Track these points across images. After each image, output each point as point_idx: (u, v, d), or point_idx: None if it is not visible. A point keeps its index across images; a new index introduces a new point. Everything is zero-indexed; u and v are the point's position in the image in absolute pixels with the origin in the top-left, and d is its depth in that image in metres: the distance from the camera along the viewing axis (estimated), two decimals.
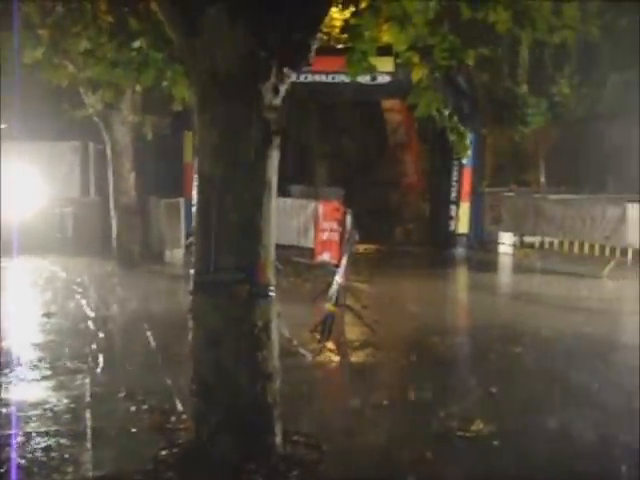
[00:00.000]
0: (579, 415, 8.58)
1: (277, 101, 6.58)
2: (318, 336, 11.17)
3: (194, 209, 6.80)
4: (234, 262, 6.52)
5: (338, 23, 22.46)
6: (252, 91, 6.43)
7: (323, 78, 20.90)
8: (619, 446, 7.71)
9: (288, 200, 19.49)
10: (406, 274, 18.50)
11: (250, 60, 6.36)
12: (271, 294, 6.70)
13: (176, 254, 19.13)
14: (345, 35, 8.87)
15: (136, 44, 8.64)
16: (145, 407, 8.44)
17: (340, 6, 8.52)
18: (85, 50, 9.07)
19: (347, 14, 8.41)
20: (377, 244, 21.89)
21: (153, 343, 11.03)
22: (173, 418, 8.03)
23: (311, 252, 18.01)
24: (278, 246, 18.01)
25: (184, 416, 7.82)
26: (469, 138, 8.31)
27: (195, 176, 6.67)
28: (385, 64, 8.27)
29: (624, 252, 18.46)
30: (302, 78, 20.31)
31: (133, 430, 7.84)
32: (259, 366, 6.63)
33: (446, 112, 7.98)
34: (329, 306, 11.46)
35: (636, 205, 18.55)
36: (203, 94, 6.56)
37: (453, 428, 8.02)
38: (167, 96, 10.04)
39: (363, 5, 8.10)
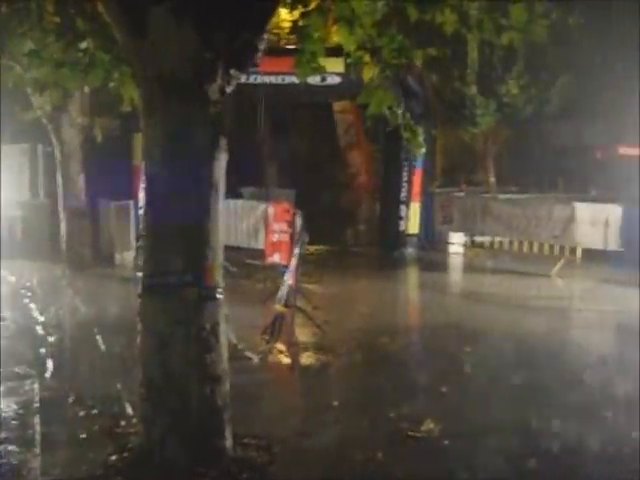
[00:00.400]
0: (527, 413, 8.63)
1: (224, 103, 6.55)
2: (267, 338, 11.15)
3: (141, 211, 6.75)
4: (182, 265, 6.49)
5: (287, 24, 22.52)
6: (198, 93, 6.40)
7: (273, 79, 20.85)
8: (570, 443, 7.78)
9: (239, 202, 19.42)
10: (357, 275, 18.52)
11: (196, 61, 6.34)
12: (219, 296, 6.68)
13: (126, 257, 18.95)
14: (294, 36, 8.84)
15: (83, 45, 8.55)
16: (94, 412, 8.36)
17: (288, 7, 8.48)
18: (30, 51, 8.95)
19: (296, 15, 8.38)
20: (328, 245, 21.89)
21: (103, 347, 10.93)
22: (123, 422, 7.95)
23: (262, 254, 17.92)
24: (229, 248, 17.97)
25: (134, 420, 7.75)
26: (422, 136, 8.32)
27: (142, 178, 6.61)
28: (335, 65, 8.26)
29: (573, 251, 18.62)
30: (252, 79, 20.30)
31: (82, 435, 7.76)
32: (208, 369, 6.60)
33: (398, 110, 7.97)
34: (278, 307, 11.44)
35: (585, 205, 18.73)
36: (149, 96, 6.52)
37: (404, 428, 8.03)
38: (116, 97, 9.95)
39: (311, 6, 8.08)
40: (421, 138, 8.32)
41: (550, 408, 8.87)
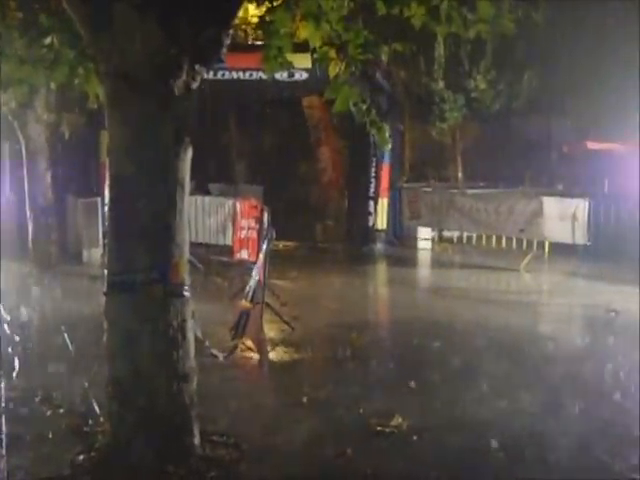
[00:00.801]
0: (495, 407, 8.65)
1: (189, 98, 6.51)
2: (233, 334, 11.11)
3: (107, 209, 6.71)
4: (148, 262, 6.44)
5: (255, 19, 22.45)
6: (163, 88, 6.35)
7: (241, 75, 20.80)
8: (537, 438, 7.80)
9: (207, 198, 19.39)
10: (325, 270, 18.52)
11: (160, 57, 6.29)
12: (186, 293, 6.64)
13: (94, 254, 18.85)
14: (261, 32, 8.80)
15: (47, 41, 8.47)
16: (61, 411, 8.30)
17: (255, 2, 8.46)
18: None
19: (263, 10, 8.36)
20: (297, 241, 21.87)
21: (70, 345, 10.85)
22: (90, 421, 7.90)
23: (230, 250, 17.90)
24: (197, 245, 18.01)
25: (102, 419, 7.70)
26: (388, 132, 8.30)
27: (107, 175, 6.56)
28: (303, 61, 8.25)
29: (541, 245, 18.70)
30: (220, 75, 20.25)
31: (49, 435, 7.70)
32: (175, 366, 6.57)
33: (364, 106, 7.95)
34: (244, 303, 11.41)
35: (552, 199, 18.82)
36: (113, 92, 6.47)
37: (373, 424, 8.02)
38: (82, 94, 9.87)
39: (278, 1, 8.06)
40: (387, 134, 8.29)
41: (519, 402, 8.90)
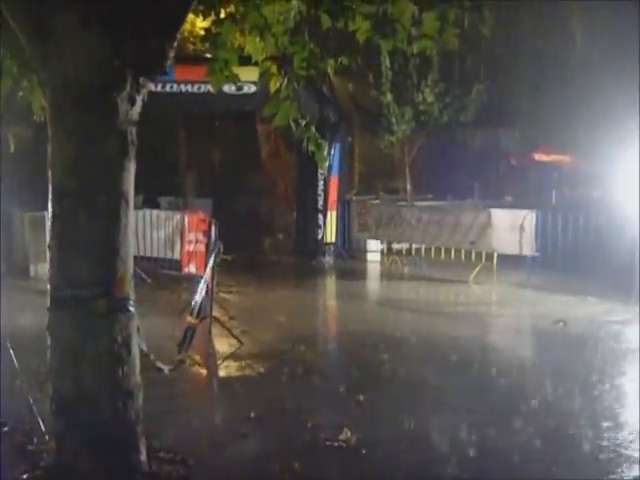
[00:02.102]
0: (444, 420, 8.66)
1: (133, 111, 6.44)
2: (178, 349, 11.03)
3: (48, 223, 6.60)
4: (92, 277, 6.35)
5: (202, 32, 22.40)
6: (107, 101, 6.27)
7: (189, 88, 20.75)
8: (487, 447, 7.82)
9: (155, 212, 19.23)
10: (274, 284, 18.47)
11: (104, 69, 6.20)
12: (131, 308, 6.56)
13: (41, 269, 18.57)
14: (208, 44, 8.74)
15: None
16: (5, 429, 8.16)
17: (201, 14, 8.40)
18: None
19: (209, 22, 8.31)
20: (246, 254, 21.76)
21: (15, 361, 10.67)
22: (35, 439, 7.77)
23: (178, 264, 17.80)
24: (145, 258, 17.86)
25: (47, 437, 7.58)
26: (331, 148, 8.25)
27: (49, 189, 6.47)
28: (251, 74, 8.22)
29: (489, 257, 18.80)
30: (168, 88, 20.18)
31: None
32: (120, 382, 6.48)
33: (303, 122, 7.92)
34: (190, 318, 11.34)
35: (500, 211, 18.95)
36: (56, 104, 6.37)
37: (321, 438, 7.99)
38: (28, 106, 9.75)
39: (223, 14, 8.02)
40: (325, 152, 8.24)
41: (468, 413, 8.91)
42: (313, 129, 8.01)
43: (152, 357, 8.55)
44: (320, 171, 21.84)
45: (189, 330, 11.19)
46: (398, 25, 7.45)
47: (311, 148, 8.08)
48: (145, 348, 7.15)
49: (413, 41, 7.66)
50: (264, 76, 7.75)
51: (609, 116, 21.88)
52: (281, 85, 7.66)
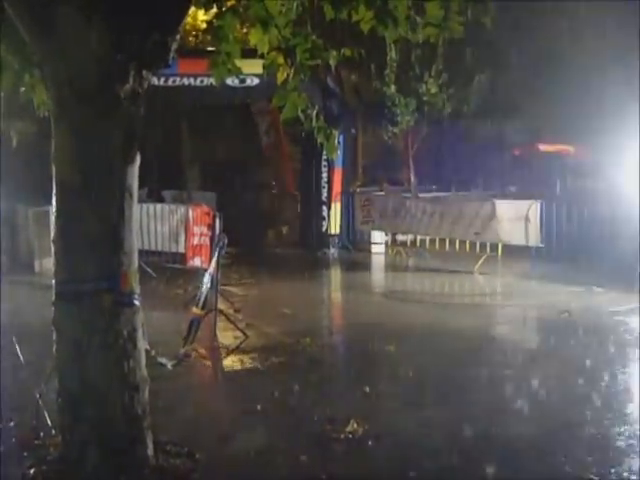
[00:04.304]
0: (451, 411, 8.65)
1: (136, 105, 6.43)
2: (183, 342, 11.03)
3: (52, 218, 6.59)
4: (96, 271, 6.35)
5: (204, 25, 22.39)
6: (110, 95, 6.27)
7: (192, 81, 20.75)
8: (493, 441, 7.81)
9: (158, 205, 19.23)
10: (279, 276, 18.46)
11: (107, 63, 6.19)
12: (136, 302, 6.56)
13: (46, 264, 18.58)
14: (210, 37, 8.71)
15: None
16: (12, 424, 8.18)
17: (203, 7, 8.38)
18: None
19: (211, 15, 8.28)
20: (250, 247, 21.80)
21: (21, 357, 10.69)
22: (42, 434, 7.78)
23: (183, 257, 17.81)
24: (150, 252, 17.84)
25: (53, 431, 7.59)
26: (337, 139, 8.21)
27: (53, 184, 6.46)
28: (254, 66, 8.21)
29: (494, 248, 18.78)
30: (171, 82, 20.18)
31: (0, 448, 7.57)
32: (126, 377, 6.47)
33: (312, 113, 7.89)
34: (195, 310, 11.32)
35: (505, 201, 18.94)
36: (59, 99, 6.36)
37: (328, 430, 7.99)
38: (31, 101, 9.74)
39: (226, 6, 7.99)
40: (335, 142, 8.21)
41: (477, 404, 8.91)
42: (322, 119, 8.00)
43: (154, 353, 8.56)
44: (324, 163, 21.85)
45: (194, 322, 11.17)
46: (400, 14, 7.44)
47: (320, 139, 8.06)
48: (147, 345, 7.14)
49: (417, 30, 7.64)
50: (270, 68, 7.72)
51: (613, 106, 21.82)
52: (288, 76, 7.63)
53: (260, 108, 25.46)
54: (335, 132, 8.24)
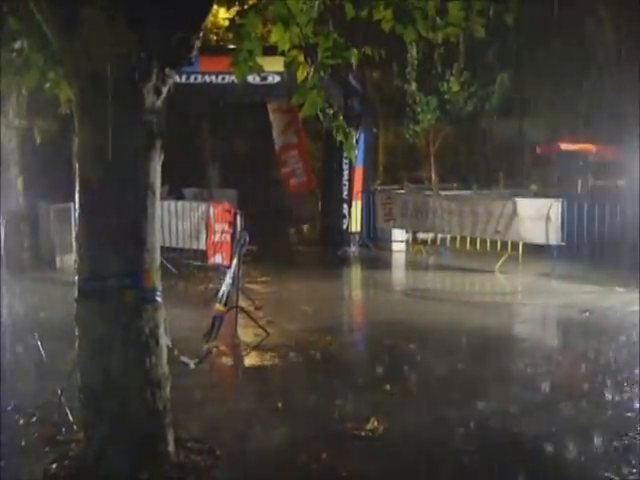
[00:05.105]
0: (473, 410, 8.64)
1: (159, 102, 6.46)
2: (206, 339, 11.05)
3: (75, 214, 6.63)
4: (119, 268, 6.38)
5: (226, 23, 22.43)
6: (133, 93, 6.30)
7: (213, 79, 20.77)
8: (516, 438, 7.79)
9: (180, 203, 19.31)
10: (299, 274, 18.48)
11: (130, 60, 6.22)
12: (158, 299, 6.58)
13: (67, 260, 18.71)
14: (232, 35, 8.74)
15: (16, 45, 8.39)
16: (34, 419, 8.22)
17: (225, 5, 8.42)
18: None
19: (233, 13, 8.31)
20: (270, 244, 21.82)
21: (43, 352, 10.75)
22: (64, 430, 7.82)
23: (204, 254, 17.87)
24: (171, 249, 17.88)
25: (75, 427, 7.62)
26: (356, 137, 8.24)
27: (76, 180, 6.49)
28: (275, 64, 8.24)
29: (515, 247, 18.74)
30: (192, 79, 20.21)
31: (22, 444, 7.61)
32: (148, 373, 6.50)
33: (331, 112, 7.91)
34: (217, 307, 11.35)
35: (526, 200, 18.88)
36: (82, 96, 6.39)
37: (349, 428, 7.99)
38: (53, 99, 9.78)
39: (248, 4, 8.01)
40: (354, 140, 8.22)
41: (498, 402, 8.89)
42: (341, 118, 8.01)
43: (176, 352, 8.58)
44: (345, 161, 21.83)
45: (217, 319, 11.20)
46: (418, 14, 7.43)
47: (339, 137, 8.08)
48: (170, 343, 7.16)
49: (438, 30, 7.63)
50: (291, 66, 7.73)
51: (636, 105, 21.73)
52: (308, 74, 7.64)
53: (278, 106, 25.47)
54: (353, 131, 8.25)
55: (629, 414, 8.47)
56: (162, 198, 6.94)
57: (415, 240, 22.32)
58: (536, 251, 18.45)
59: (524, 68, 26.76)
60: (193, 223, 18.47)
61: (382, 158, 30.43)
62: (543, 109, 28.28)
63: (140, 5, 6.22)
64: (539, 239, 18.08)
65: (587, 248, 18.05)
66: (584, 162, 25.58)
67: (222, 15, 22.55)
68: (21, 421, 8.19)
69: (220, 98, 22.90)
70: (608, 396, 9.09)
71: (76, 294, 6.60)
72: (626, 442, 7.62)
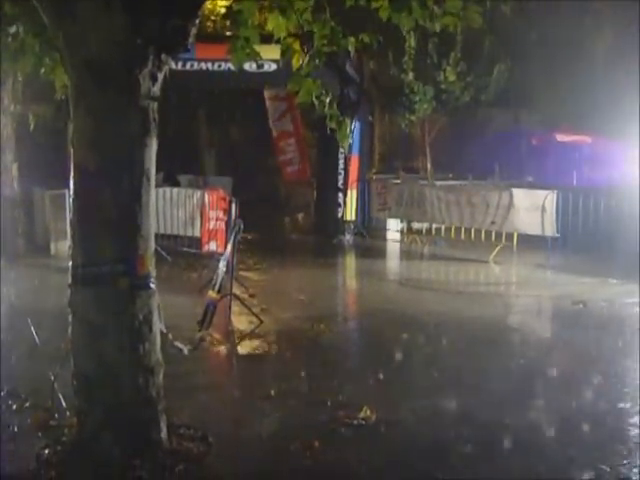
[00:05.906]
0: (465, 399, 8.65)
1: (155, 89, 6.45)
2: (199, 326, 11.06)
3: (69, 201, 6.62)
4: (113, 254, 6.37)
5: (223, 10, 22.37)
6: (128, 79, 6.27)
7: (210, 66, 20.74)
8: (506, 430, 7.81)
9: (175, 190, 19.28)
10: (294, 262, 18.51)
11: (126, 47, 6.21)
12: (152, 285, 6.58)
13: (62, 246, 18.66)
14: (229, 22, 8.73)
15: (12, 30, 8.37)
16: (27, 405, 8.22)
17: None
18: None
19: (230, 0, 8.29)
20: (265, 232, 21.83)
21: (36, 338, 10.74)
22: (57, 415, 7.82)
23: (198, 242, 17.87)
24: (165, 236, 17.86)
25: (68, 413, 7.62)
26: (351, 126, 8.24)
27: (71, 167, 6.47)
28: (272, 52, 8.22)
29: (509, 237, 18.75)
30: (188, 66, 20.17)
31: (15, 429, 7.62)
32: (141, 359, 6.51)
33: (326, 99, 7.91)
34: (211, 294, 11.35)
35: (522, 191, 18.87)
36: (78, 82, 6.37)
37: (341, 416, 8.00)
38: (49, 85, 9.76)
39: None
40: (347, 130, 8.22)
41: (489, 393, 8.90)
42: (335, 106, 8.01)
43: (171, 337, 8.58)
44: (340, 150, 21.81)
45: (210, 306, 11.21)
46: (415, 2, 7.43)
47: (332, 126, 8.07)
48: (164, 328, 7.17)
49: (435, 19, 7.63)
50: (287, 53, 7.72)
51: (631, 97, 21.73)
52: (303, 62, 7.64)
53: (274, 94, 25.43)
54: (347, 120, 8.25)
55: (618, 404, 8.50)
56: (157, 185, 6.92)
57: (410, 230, 22.32)
58: (531, 242, 18.45)
59: (521, 59, 26.71)
60: (188, 210, 18.44)
61: (378, 147, 30.42)
62: (539, 100, 28.28)
63: None
64: (534, 230, 18.06)
65: (582, 240, 18.04)
66: (579, 153, 25.62)
67: (219, 2, 22.54)
68: (14, 406, 8.19)
69: (216, 85, 22.86)
70: (595, 384, 9.12)
71: (70, 280, 6.59)
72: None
